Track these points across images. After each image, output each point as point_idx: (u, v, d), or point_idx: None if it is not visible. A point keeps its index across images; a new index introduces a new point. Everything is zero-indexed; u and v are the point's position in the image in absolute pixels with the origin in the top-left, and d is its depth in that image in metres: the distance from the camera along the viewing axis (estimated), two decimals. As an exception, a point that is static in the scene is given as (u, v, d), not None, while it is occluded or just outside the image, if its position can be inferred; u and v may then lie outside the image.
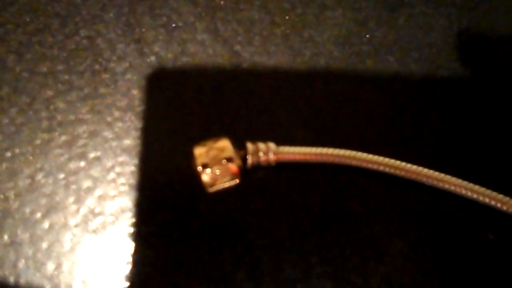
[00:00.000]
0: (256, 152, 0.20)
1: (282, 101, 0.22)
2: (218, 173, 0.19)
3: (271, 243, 0.20)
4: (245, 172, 0.20)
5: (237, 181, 0.19)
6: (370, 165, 0.21)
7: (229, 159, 0.19)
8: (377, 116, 0.22)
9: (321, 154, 0.21)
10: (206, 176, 0.19)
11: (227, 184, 0.19)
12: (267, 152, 0.20)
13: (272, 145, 0.20)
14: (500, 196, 0.21)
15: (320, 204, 0.20)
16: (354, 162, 0.21)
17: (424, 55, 0.24)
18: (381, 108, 0.23)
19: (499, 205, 0.21)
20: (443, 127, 0.22)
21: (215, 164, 0.19)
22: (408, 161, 0.21)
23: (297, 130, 0.21)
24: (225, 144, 0.19)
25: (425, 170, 0.21)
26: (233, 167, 0.19)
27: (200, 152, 0.19)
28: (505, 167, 0.22)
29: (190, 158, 0.19)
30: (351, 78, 0.23)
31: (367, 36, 0.23)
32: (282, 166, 0.20)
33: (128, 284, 0.19)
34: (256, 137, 0.20)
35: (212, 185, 0.19)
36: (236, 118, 0.21)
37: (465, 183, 0.21)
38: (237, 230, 0.20)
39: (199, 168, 0.19)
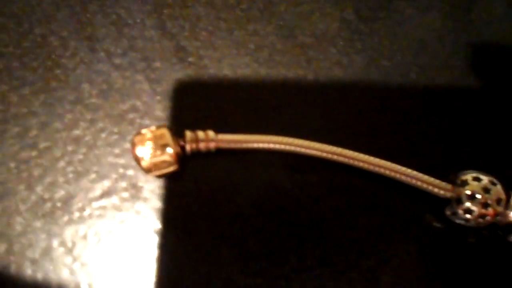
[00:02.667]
0: (195, 139, 0.21)
1: (227, 92, 0.23)
2: (156, 160, 0.20)
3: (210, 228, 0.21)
4: (185, 158, 0.21)
5: (176, 167, 0.21)
6: (308, 151, 0.22)
7: (167, 147, 0.20)
8: (320, 106, 0.23)
9: (260, 141, 0.22)
10: (144, 163, 0.20)
11: (165, 170, 0.20)
12: (206, 139, 0.21)
13: (211, 133, 0.21)
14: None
15: (257, 189, 0.22)
16: (292, 148, 0.22)
17: (366, 45, 0.25)
18: (324, 97, 0.24)
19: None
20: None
21: (153, 151, 0.20)
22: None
23: (239, 119, 0.23)
24: (163, 132, 0.20)
25: (371, 158, 0.22)
26: (171, 154, 0.20)
27: (139, 139, 0.20)
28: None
29: (133, 145, 0.20)
30: (293, 69, 0.24)
31: (312, 28, 0.25)
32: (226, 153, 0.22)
33: (73, 262, 0.20)
34: (204, 127, 0.22)
35: (150, 171, 0.20)
36: (181, 109, 0.23)
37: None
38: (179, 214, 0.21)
39: (138, 155, 0.20)
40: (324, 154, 0.22)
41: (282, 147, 0.21)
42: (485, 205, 0.20)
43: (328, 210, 0.21)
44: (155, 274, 0.20)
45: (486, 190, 0.21)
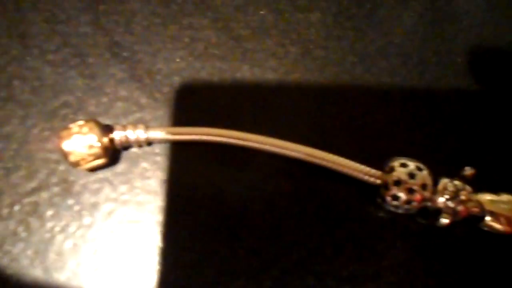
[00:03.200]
0: (124, 133, 0.21)
1: (162, 85, 0.23)
2: (83, 153, 0.20)
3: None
4: (116, 152, 0.21)
5: (105, 160, 0.21)
6: (239, 142, 0.22)
7: (93, 140, 0.20)
8: (255, 97, 0.23)
9: (192, 133, 0.22)
10: (72, 157, 0.20)
11: (93, 163, 0.20)
12: (136, 133, 0.21)
13: (141, 126, 0.21)
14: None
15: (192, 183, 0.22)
16: (224, 140, 0.22)
17: (302, 36, 0.25)
18: (259, 88, 0.24)
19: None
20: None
21: (80, 145, 0.20)
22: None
23: (173, 112, 0.23)
24: (90, 126, 0.20)
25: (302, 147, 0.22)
26: (97, 147, 0.20)
27: (66, 134, 0.20)
28: None
29: (60, 140, 0.20)
30: (228, 61, 0.24)
31: (247, 20, 0.25)
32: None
33: (2, 257, 0.20)
34: (137, 121, 0.22)
35: (78, 164, 0.20)
36: (115, 104, 0.23)
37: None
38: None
39: (65, 149, 0.20)
40: (256, 145, 0.22)
41: (214, 138, 0.21)
42: (410, 190, 0.21)
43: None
44: (86, 266, 0.20)
45: (411, 176, 0.21)
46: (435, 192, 0.21)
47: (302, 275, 0.20)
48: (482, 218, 0.21)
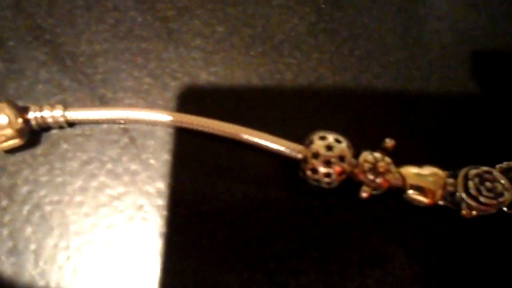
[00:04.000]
0: (40, 114, 0.21)
1: (85, 67, 0.23)
2: (-4, 135, 0.20)
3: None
4: (35, 133, 0.21)
5: (19, 141, 0.20)
6: (151, 118, 0.22)
7: (5, 120, 0.20)
8: (182, 77, 0.23)
9: (107, 115, 0.22)
10: (-16, 138, 0.20)
11: (8, 144, 0.20)
12: (53, 113, 0.21)
13: (58, 107, 0.21)
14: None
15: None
16: (140, 118, 0.22)
17: (229, 15, 0.25)
18: (186, 69, 0.23)
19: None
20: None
21: (-8, 127, 0.20)
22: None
23: (97, 93, 0.23)
24: (2, 107, 0.20)
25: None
26: (10, 127, 0.20)
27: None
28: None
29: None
30: (154, 42, 0.24)
31: (173, 1, 0.24)
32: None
33: None
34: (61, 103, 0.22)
35: (-9, 146, 0.20)
36: (37, 86, 0.22)
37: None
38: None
39: (-24, 130, 0.20)
40: (171, 122, 0.22)
41: (129, 117, 0.21)
42: (327, 162, 0.21)
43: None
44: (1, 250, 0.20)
45: (329, 148, 0.21)
46: (356, 165, 0.21)
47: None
48: (405, 190, 0.22)
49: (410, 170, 0.22)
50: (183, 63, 0.24)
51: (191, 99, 0.23)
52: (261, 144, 0.22)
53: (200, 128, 0.22)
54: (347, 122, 0.23)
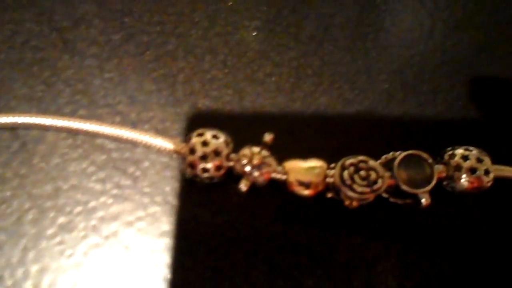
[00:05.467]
0: None
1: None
2: None
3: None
4: None
5: None
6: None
7: None
8: (78, 82, 0.24)
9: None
10: None
11: None
12: None
13: None
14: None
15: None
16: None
17: (125, 24, 0.26)
18: (81, 76, 0.24)
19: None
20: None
21: None
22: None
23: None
24: None
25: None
26: None
27: None
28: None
29: None
30: (48, 51, 0.25)
31: (70, 12, 0.25)
32: None
33: None
34: None
35: None
36: None
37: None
38: None
39: None
40: (62, 126, 0.23)
41: (19, 121, 0.22)
42: (203, 157, 0.21)
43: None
44: None
45: (204, 144, 0.21)
46: (235, 159, 0.22)
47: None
48: (286, 183, 0.22)
49: (293, 163, 0.22)
50: (77, 70, 0.24)
51: (84, 104, 0.24)
52: (143, 141, 0.22)
53: (90, 131, 0.23)
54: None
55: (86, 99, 0.24)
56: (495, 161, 0.22)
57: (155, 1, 0.26)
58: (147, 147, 0.22)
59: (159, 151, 0.22)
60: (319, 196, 0.22)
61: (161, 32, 0.25)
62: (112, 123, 0.23)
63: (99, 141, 0.23)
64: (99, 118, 0.23)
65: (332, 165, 0.22)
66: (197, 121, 0.24)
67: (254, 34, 0.26)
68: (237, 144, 0.22)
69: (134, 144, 0.23)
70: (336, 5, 0.27)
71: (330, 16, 0.27)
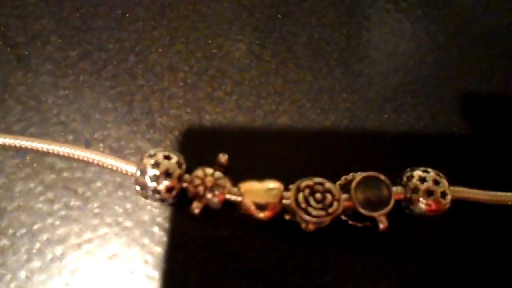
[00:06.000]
0: None
1: None
2: None
3: None
4: None
5: None
6: None
7: None
8: (26, 100, 0.24)
9: None
10: None
11: None
12: None
13: None
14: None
15: None
16: None
17: (82, 40, 0.25)
18: (36, 94, 0.23)
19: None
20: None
21: None
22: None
23: None
24: None
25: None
26: None
27: None
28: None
29: None
30: (2, 67, 0.24)
31: (27, 28, 0.25)
32: None
33: None
34: None
35: None
36: None
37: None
38: None
39: None
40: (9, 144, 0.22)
41: None
42: (153, 178, 0.21)
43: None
44: None
45: (155, 165, 0.21)
46: (188, 180, 0.21)
47: None
48: (241, 205, 0.21)
49: (249, 185, 0.22)
50: (30, 87, 0.24)
51: (35, 122, 0.23)
52: (95, 160, 0.22)
53: (40, 149, 0.22)
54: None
55: (38, 117, 0.23)
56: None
57: (115, 18, 0.26)
58: (100, 167, 0.22)
59: (112, 171, 0.22)
60: (277, 218, 0.22)
61: (119, 49, 0.25)
62: (65, 141, 0.23)
63: (49, 160, 0.22)
64: (50, 136, 0.23)
65: (290, 186, 0.22)
66: (153, 141, 0.24)
67: (214, 52, 0.26)
68: (195, 164, 0.22)
69: (86, 163, 0.22)
70: (299, 23, 0.27)
71: (293, 35, 0.27)
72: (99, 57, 0.25)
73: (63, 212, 0.21)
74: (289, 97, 0.25)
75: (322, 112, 0.25)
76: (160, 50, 0.25)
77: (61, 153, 0.22)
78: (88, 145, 0.23)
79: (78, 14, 0.26)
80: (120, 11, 0.26)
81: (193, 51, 0.26)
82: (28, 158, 0.22)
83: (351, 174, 0.23)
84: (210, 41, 0.26)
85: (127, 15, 0.26)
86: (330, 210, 0.21)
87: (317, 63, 0.26)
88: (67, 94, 0.24)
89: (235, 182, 0.21)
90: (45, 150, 0.22)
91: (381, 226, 0.21)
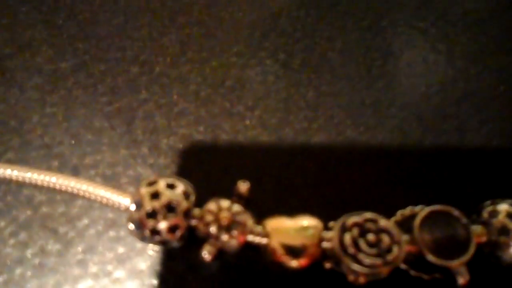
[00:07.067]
0: None
1: None
2: None
3: None
4: None
5: None
6: None
7: None
8: (12, 117, 0.20)
9: None
10: None
11: None
12: None
13: None
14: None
15: None
16: None
17: (77, 50, 0.22)
18: (18, 108, 0.20)
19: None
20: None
21: None
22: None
23: None
24: None
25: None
26: None
27: None
28: None
29: None
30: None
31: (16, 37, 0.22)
32: None
33: None
34: None
35: None
36: None
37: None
38: None
39: None
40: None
41: None
42: (151, 214, 0.16)
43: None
44: None
45: (154, 196, 0.16)
46: (197, 216, 0.16)
47: None
48: (267, 249, 0.16)
49: (276, 222, 0.17)
50: (12, 104, 0.20)
51: (14, 145, 0.19)
52: (83, 191, 0.17)
53: (15, 178, 0.18)
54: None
55: (18, 139, 0.19)
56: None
57: (117, 25, 0.22)
58: (88, 199, 0.17)
59: (103, 205, 0.17)
60: (314, 267, 0.17)
61: (120, 59, 0.21)
62: (47, 168, 0.19)
63: (26, 191, 0.18)
64: (31, 163, 0.19)
65: (330, 224, 0.17)
66: (157, 166, 0.19)
67: (233, 60, 0.22)
68: (207, 196, 0.17)
69: (71, 195, 0.18)
70: (334, 27, 0.23)
71: (327, 40, 0.23)
72: (96, 69, 0.21)
73: (36, 260, 0.17)
74: (324, 113, 0.21)
75: (366, 130, 0.20)
76: (168, 59, 0.22)
77: (40, 183, 0.17)
78: (75, 172, 0.19)
79: (75, 22, 0.23)
80: (123, 17, 0.23)
81: (207, 60, 0.22)
82: (0, 189, 0.18)
83: (409, 208, 0.18)
84: (227, 48, 0.22)
85: (131, 21, 0.23)
86: (389, 258, 0.15)
87: (356, 72, 0.22)
88: (55, 112, 0.20)
89: (259, 218, 0.17)
90: (20, 179, 0.18)
91: (461, 280, 0.15)
